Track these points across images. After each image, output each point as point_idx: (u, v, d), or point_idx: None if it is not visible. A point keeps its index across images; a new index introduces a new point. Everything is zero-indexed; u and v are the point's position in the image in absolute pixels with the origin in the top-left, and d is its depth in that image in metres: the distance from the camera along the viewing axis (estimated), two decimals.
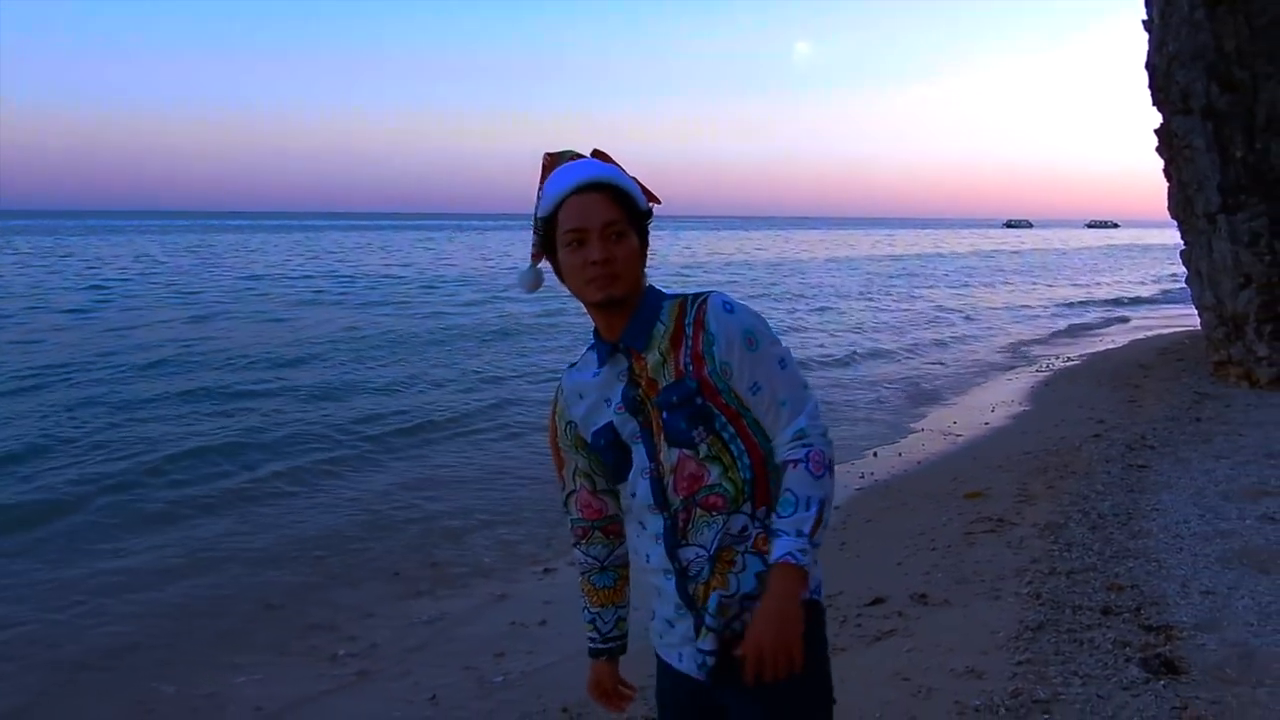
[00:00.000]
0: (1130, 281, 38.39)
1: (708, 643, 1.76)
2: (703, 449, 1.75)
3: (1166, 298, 28.67)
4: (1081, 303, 28.23)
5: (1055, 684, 3.80)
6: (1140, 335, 18.18)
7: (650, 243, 1.86)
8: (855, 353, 16.86)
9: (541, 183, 1.81)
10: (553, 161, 1.81)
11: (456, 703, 4.50)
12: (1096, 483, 6.87)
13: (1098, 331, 20.42)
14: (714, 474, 1.75)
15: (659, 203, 1.84)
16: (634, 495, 1.84)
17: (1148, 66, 11.62)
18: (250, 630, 5.39)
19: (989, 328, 21.47)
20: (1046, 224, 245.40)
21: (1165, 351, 13.87)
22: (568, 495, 1.98)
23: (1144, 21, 11.82)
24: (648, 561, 1.85)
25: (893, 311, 25.58)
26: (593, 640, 1.99)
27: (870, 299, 29.61)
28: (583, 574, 2.00)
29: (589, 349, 1.89)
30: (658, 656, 1.94)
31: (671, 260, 50.28)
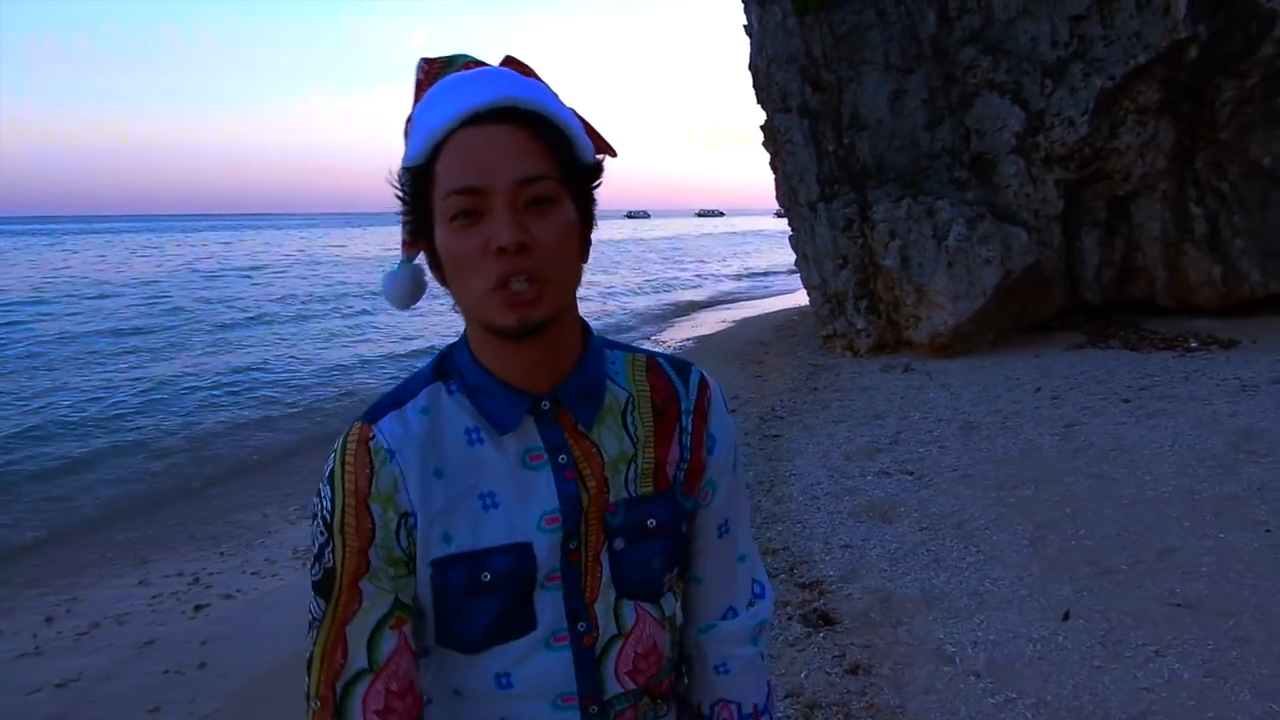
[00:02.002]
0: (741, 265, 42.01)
1: None
2: (666, 603, 1.17)
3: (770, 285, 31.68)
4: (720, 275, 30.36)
5: None
6: (757, 313, 19.92)
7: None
8: None
9: (413, 107, 1.06)
10: (433, 72, 1.08)
11: None
12: (740, 455, 7.37)
13: (726, 307, 22.07)
14: (667, 641, 1.18)
15: (613, 154, 1.12)
16: (506, 684, 1.08)
17: (751, 68, 12.67)
18: None
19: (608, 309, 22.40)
20: (661, 214, 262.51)
21: (780, 328, 15.26)
22: (345, 683, 1.01)
23: (745, 26, 12.87)
24: None
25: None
26: None
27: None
28: None
29: (445, 388, 1.08)
30: None
31: None
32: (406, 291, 1.13)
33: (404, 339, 18.36)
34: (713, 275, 33.98)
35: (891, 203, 10.89)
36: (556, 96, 1.06)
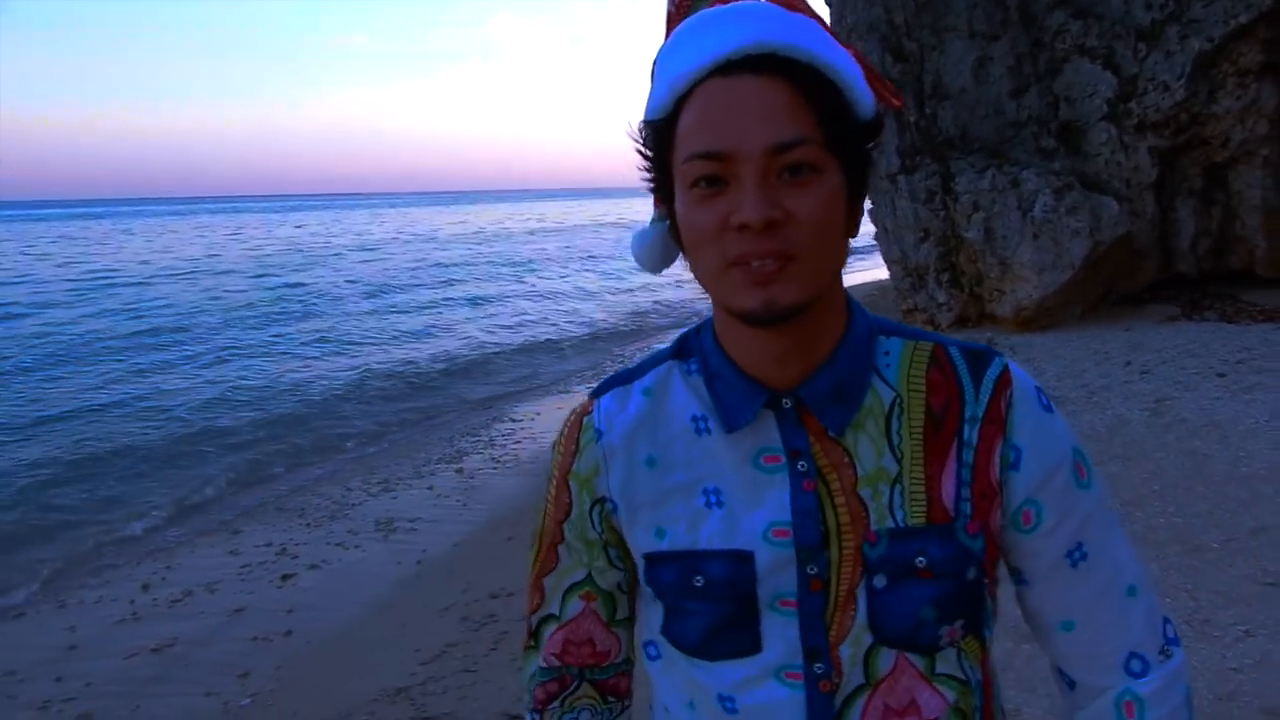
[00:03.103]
0: None
1: None
2: (941, 659, 0.94)
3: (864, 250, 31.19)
4: None
5: None
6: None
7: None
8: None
9: (660, 48, 0.93)
10: (685, 3, 0.95)
11: None
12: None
13: None
14: (941, 706, 0.94)
15: (898, 104, 0.99)
16: (730, 707, 0.96)
17: None
18: None
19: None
20: None
21: (861, 303, 15.07)
22: (540, 619, 1.07)
23: None
24: None
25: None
26: None
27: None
28: None
29: (682, 368, 0.99)
30: None
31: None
32: (658, 253, 1.01)
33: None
34: None
35: (975, 173, 10.66)
36: (830, 36, 0.89)
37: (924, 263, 11.15)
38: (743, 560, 0.92)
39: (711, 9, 0.88)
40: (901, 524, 0.91)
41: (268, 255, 38.20)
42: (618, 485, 0.97)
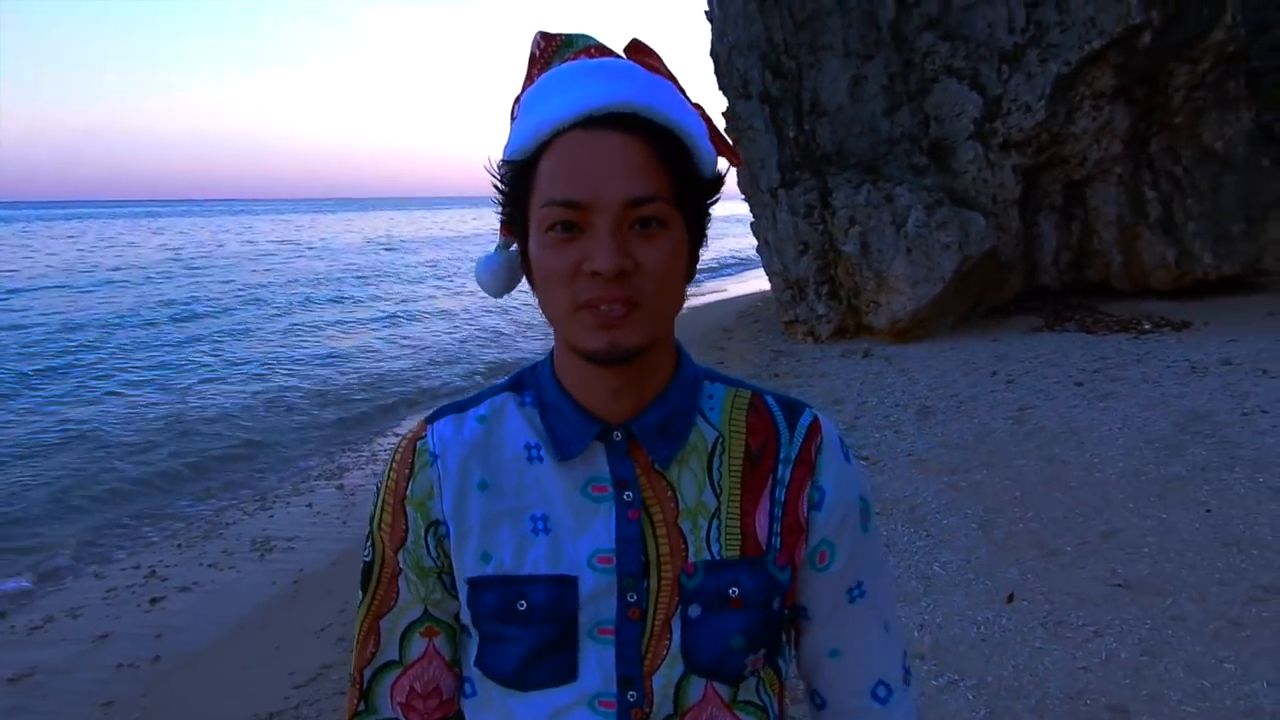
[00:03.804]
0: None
1: None
2: (744, 688, 0.99)
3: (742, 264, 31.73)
4: None
5: None
6: (721, 299, 19.97)
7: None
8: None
9: (523, 88, 0.97)
10: (549, 50, 0.98)
11: None
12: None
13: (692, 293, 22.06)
14: None
15: (738, 162, 1.02)
16: None
17: (712, 54, 12.66)
18: None
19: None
20: None
21: (743, 314, 15.32)
22: (376, 669, 1.03)
23: (706, 12, 12.86)
24: None
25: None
26: None
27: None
28: None
29: (517, 399, 1.01)
30: None
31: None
32: (502, 280, 1.04)
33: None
34: None
35: (852, 189, 10.95)
36: (683, 95, 0.95)
37: (804, 275, 11.38)
38: (566, 585, 0.94)
39: (579, 62, 0.93)
40: (717, 556, 0.96)
41: (140, 265, 36.57)
42: (450, 507, 0.97)
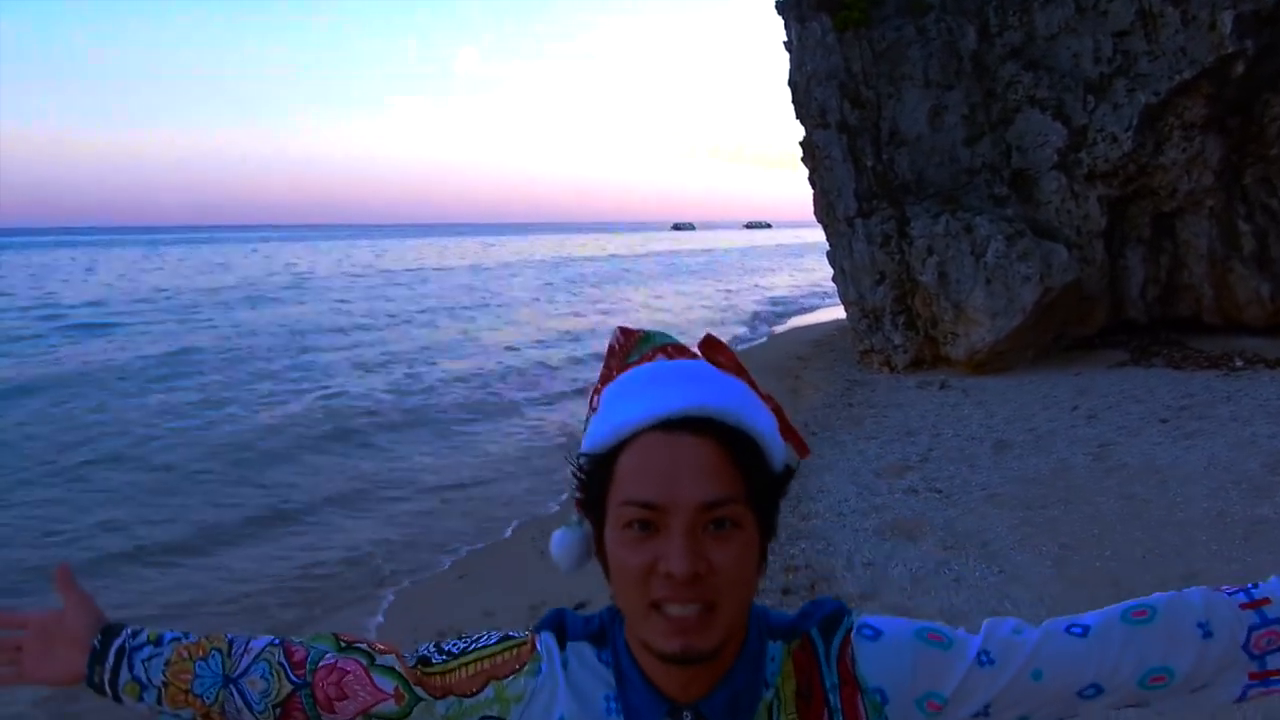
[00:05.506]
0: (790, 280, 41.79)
1: None
2: None
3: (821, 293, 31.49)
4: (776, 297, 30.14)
5: None
6: (799, 325, 19.89)
7: None
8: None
9: (603, 381, 1.04)
10: (628, 345, 1.05)
11: None
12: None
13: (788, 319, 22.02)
14: None
15: (806, 454, 1.05)
16: None
17: (790, 84, 12.70)
18: None
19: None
20: (708, 225, 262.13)
21: (819, 343, 15.23)
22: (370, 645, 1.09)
23: (784, 42, 12.91)
24: None
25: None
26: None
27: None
28: None
29: (597, 652, 1.04)
30: None
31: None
32: (576, 556, 1.05)
33: None
34: (753, 289, 33.91)
35: (930, 219, 10.85)
36: (755, 393, 0.99)
37: (880, 305, 11.29)
38: None
39: (657, 363, 0.99)
40: None
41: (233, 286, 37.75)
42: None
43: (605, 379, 1.02)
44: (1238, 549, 4.81)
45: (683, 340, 1.05)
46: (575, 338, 19.86)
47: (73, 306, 28.51)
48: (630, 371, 0.99)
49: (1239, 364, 9.70)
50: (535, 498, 7.94)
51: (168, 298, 31.80)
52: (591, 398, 1.02)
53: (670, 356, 1.01)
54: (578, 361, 16.58)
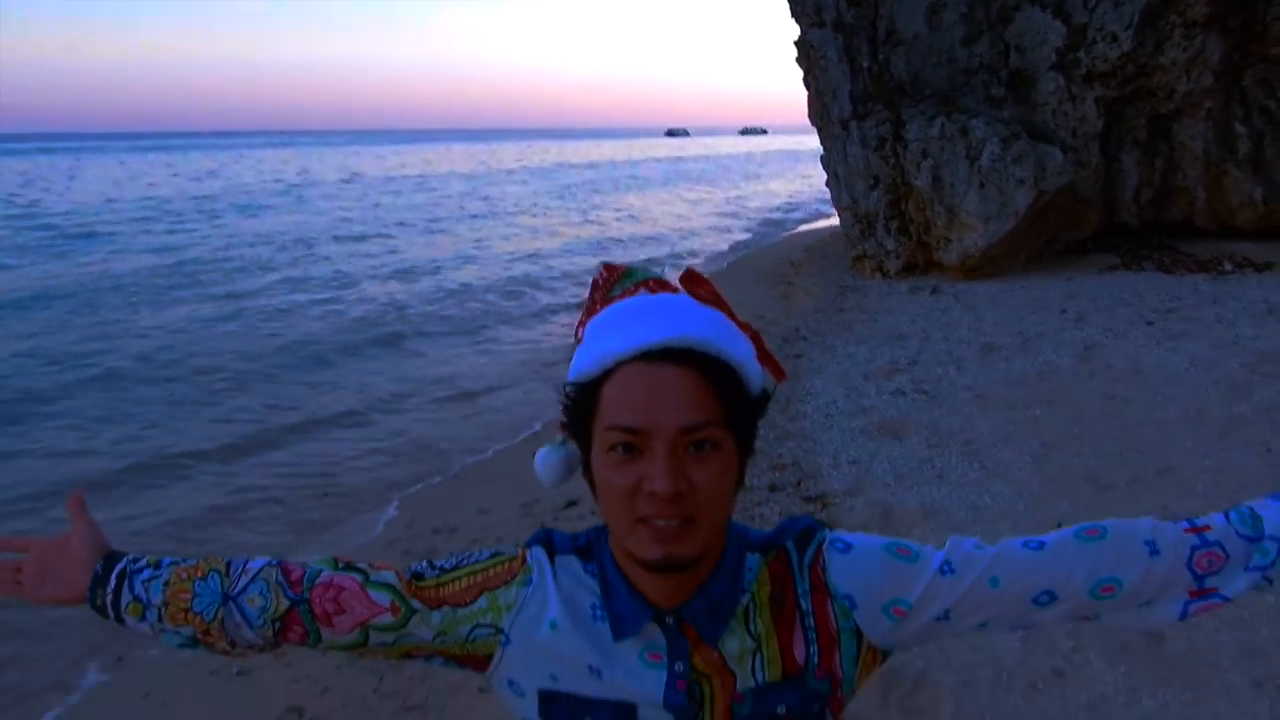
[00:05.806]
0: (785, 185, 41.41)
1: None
2: None
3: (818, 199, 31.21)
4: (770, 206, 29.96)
5: None
6: (795, 232, 19.81)
7: None
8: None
9: (587, 314, 1.10)
10: (611, 280, 1.11)
11: None
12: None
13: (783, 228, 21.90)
14: None
15: (782, 377, 1.11)
16: None
17: None
18: None
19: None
20: (702, 132, 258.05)
21: (812, 249, 15.21)
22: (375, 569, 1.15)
23: None
24: None
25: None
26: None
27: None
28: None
29: (584, 564, 1.12)
30: None
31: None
32: (559, 474, 1.13)
33: None
34: (749, 197, 33.61)
35: (925, 121, 10.73)
36: (733, 323, 1.05)
37: (873, 209, 11.25)
38: (627, 711, 1.06)
39: (640, 297, 1.06)
40: (762, 682, 1.06)
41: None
42: (521, 628, 1.09)
43: (590, 312, 1.09)
44: (1214, 445, 4.93)
45: (667, 275, 1.11)
46: (601, 246, 19.62)
47: (65, 213, 28.17)
48: (613, 305, 1.06)
49: (1228, 267, 9.75)
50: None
51: (158, 205, 31.36)
52: (577, 330, 1.08)
53: (652, 290, 1.07)
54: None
